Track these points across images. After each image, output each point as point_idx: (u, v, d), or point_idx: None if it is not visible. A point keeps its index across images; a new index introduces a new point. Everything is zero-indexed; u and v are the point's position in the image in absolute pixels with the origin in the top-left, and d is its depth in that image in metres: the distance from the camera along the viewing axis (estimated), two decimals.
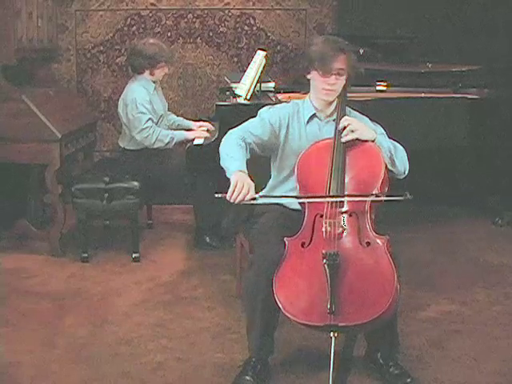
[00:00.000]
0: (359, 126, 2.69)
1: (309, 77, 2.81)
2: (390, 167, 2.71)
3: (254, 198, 2.58)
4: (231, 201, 2.54)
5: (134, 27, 5.24)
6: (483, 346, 2.97)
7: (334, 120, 2.79)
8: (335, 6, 5.29)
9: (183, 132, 4.34)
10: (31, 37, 4.29)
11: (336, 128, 2.70)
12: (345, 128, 2.67)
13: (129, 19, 5.24)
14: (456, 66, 4.64)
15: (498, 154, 4.58)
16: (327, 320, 2.31)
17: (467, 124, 4.37)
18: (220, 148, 2.77)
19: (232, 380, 2.64)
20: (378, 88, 4.46)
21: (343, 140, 2.66)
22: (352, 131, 2.66)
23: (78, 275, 3.79)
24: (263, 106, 2.98)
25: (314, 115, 2.85)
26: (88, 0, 5.18)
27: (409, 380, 2.61)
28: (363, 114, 2.91)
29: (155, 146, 4.20)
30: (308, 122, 2.85)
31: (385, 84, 4.46)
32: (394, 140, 2.81)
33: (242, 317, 3.04)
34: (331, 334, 2.34)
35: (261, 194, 2.91)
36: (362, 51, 4.61)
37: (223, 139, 2.81)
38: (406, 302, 3.17)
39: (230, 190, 2.54)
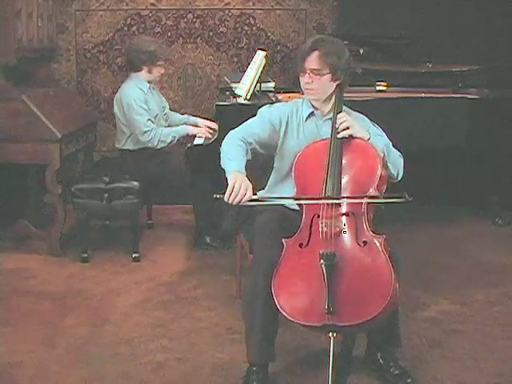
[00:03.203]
0: (354, 123, 2.68)
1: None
2: None
3: (252, 199, 2.56)
4: (229, 202, 2.53)
5: (134, 27, 5.24)
6: (483, 346, 2.97)
7: (330, 119, 2.77)
8: (335, 6, 5.28)
9: (185, 126, 4.34)
10: (31, 37, 4.28)
11: (333, 126, 2.69)
12: (340, 125, 2.66)
13: (129, 19, 5.24)
14: (456, 66, 4.64)
15: (498, 154, 4.58)
16: (325, 320, 2.31)
17: (467, 124, 4.37)
18: (221, 149, 2.76)
19: (232, 380, 2.63)
20: (378, 88, 4.46)
21: (339, 136, 2.64)
22: (348, 128, 2.65)
23: (78, 275, 3.79)
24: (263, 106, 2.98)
25: (312, 113, 2.85)
26: (88, 0, 5.18)
27: (409, 380, 2.61)
28: (363, 114, 2.90)
29: (159, 147, 4.22)
30: (306, 120, 2.85)
31: (385, 84, 4.46)
32: (391, 140, 2.79)
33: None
34: (330, 334, 2.33)
35: (262, 191, 2.91)
36: (361, 51, 4.62)
37: (224, 140, 2.80)
38: (405, 302, 3.16)
39: (228, 190, 2.53)
